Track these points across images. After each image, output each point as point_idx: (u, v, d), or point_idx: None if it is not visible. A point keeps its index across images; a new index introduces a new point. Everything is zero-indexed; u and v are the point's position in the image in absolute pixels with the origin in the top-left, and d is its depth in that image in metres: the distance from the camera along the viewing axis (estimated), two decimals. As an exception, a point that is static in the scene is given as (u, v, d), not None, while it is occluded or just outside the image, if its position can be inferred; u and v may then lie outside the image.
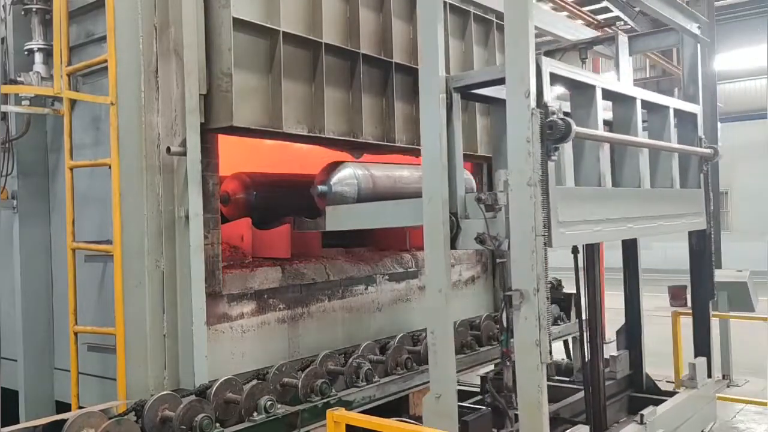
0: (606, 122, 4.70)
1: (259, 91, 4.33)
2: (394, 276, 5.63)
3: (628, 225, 4.27)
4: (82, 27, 4.49)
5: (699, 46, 5.71)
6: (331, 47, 4.69)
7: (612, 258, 7.84)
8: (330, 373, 4.41)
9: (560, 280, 6.44)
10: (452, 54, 5.87)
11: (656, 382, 5.69)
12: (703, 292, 5.64)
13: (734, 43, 25.99)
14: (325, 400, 4.14)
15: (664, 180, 5.10)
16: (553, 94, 5.74)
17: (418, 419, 5.68)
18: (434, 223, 3.69)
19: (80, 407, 4.10)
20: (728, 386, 8.24)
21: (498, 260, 3.51)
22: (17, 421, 4.27)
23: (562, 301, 6.37)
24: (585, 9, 13.38)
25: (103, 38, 4.12)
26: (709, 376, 5.61)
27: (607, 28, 12.51)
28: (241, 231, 5.08)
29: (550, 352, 3.34)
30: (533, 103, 3.32)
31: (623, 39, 5.49)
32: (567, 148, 3.91)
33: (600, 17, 13.51)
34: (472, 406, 5.09)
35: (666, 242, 23.39)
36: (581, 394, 4.85)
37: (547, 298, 3.32)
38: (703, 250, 5.57)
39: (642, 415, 4.45)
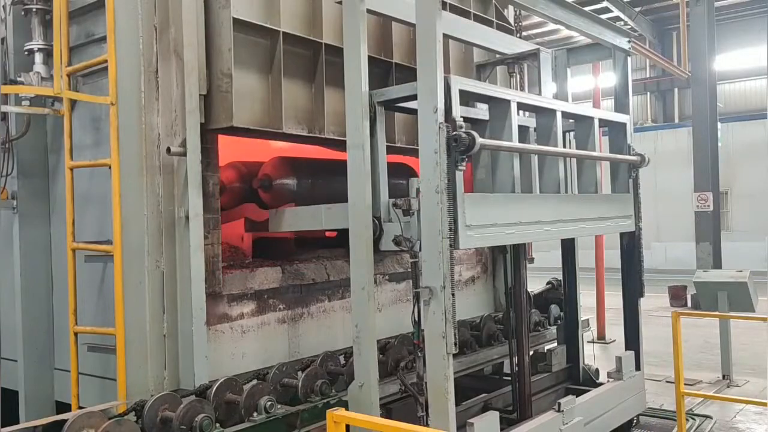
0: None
1: (259, 92, 4.33)
2: (394, 276, 5.63)
3: (544, 228, 4.56)
4: (82, 27, 4.49)
5: (629, 59, 6.08)
6: (331, 47, 4.69)
7: (613, 258, 7.84)
8: (330, 374, 4.41)
9: (560, 281, 6.43)
10: (452, 54, 5.86)
11: (592, 375, 5.98)
12: (633, 289, 5.94)
13: (734, 43, 26.02)
14: (325, 400, 4.14)
15: (590, 185, 5.49)
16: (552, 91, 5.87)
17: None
18: (359, 226, 4.00)
19: (80, 407, 4.10)
20: (728, 386, 8.24)
21: (411, 260, 3.82)
22: (17, 421, 4.28)
23: (562, 302, 6.37)
24: (586, 9, 13.34)
25: (103, 38, 4.12)
26: (638, 369, 5.89)
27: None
28: (241, 231, 5.09)
29: (456, 344, 3.64)
30: (441, 118, 3.64)
31: (545, 55, 5.84)
32: (485, 157, 4.47)
33: (601, 17, 13.45)
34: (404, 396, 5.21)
35: (667, 243, 23.42)
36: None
37: (453, 294, 3.62)
38: (633, 250, 5.90)
39: (559, 404, 4.69)
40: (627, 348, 5.96)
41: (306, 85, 4.63)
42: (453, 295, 3.63)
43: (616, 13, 20.88)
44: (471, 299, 6.47)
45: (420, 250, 3.75)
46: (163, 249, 3.99)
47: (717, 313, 7.88)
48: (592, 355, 6.50)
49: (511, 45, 5.92)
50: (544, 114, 4.97)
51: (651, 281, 7.44)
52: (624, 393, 5.64)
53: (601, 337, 10.51)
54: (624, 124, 5.78)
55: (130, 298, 3.96)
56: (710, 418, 6.96)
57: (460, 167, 3.68)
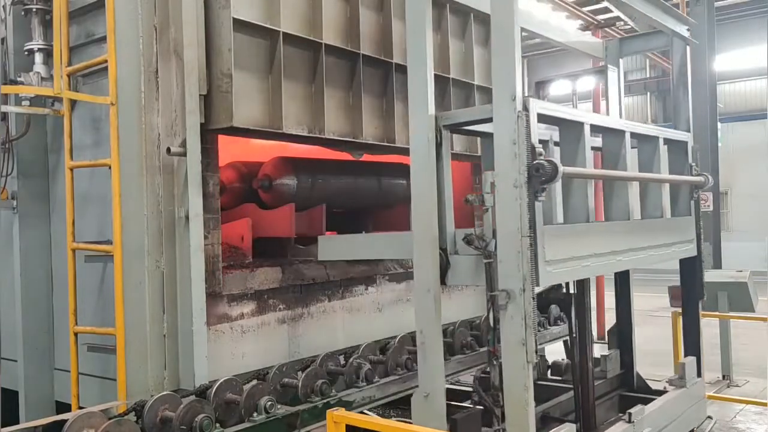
0: (595, 148, 4.72)
1: (260, 92, 4.33)
2: (394, 276, 5.62)
3: (616, 258, 4.33)
4: (82, 27, 4.49)
5: (688, 48, 5.71)
6: (332, 48, 4.69)
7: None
8: (330, 374, 4.41)
9: (560, 280, 6.42)
10: (452, 55, 5.86)
11: (647, 382, 5.71)
12: (693, 294, 5.75)
13: (734, 43, 26.00)
14: (325, 401, 4.14)
15: (655, 210, 5.15)
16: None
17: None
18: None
19: (80, 407, 4.10)
20: (728, 386, 8.25)
21: (485, 261, 3.55)
22: (17, 421, 4.28)
23: (562, 302, 6.35)
24: (585, 9, 13.36)
25: (103, 38, 4.12)
26: (699, 375, 5.64)
27: (607, 29, 12.49)
28: (241, 231, 5.09)
29: (536, 351, 3.38)
30: (519, 106, 3.38)
31: (612, 73, 5.57)
32: (557, 186, 4.10)
33: (600, 17, 13.47)
34: (461, 405, 5.10)
35: (666, 242, 23.39)
36: (571, 393, 4.86)
37: (533, 297, 3.36)
38: (693, 268, 5.70)
39: (630, 414, 4.48)
40: (687, 353, 5.70)
41: (306, 85, 4.62)
42: (534, 298, 3.36)
43: (616, 13, 20.85)
44: (471, 299, 6.47)
45: (495, 249, 3.49)
46: (163, 249, 3.99)
47: (717, 313, 7.88)
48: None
49: (561, 33, 5.82)
50: (611, 135, 4.69)
51: (651, 281, 7.46)
52: (687, 401, 5.38)
53: (600, 337, 10.51)
54: (685, 143, 5.49)
55: (130, 298, 3.96)
56: (710, 418, 6.95)
57: (540, 198, 3.42)
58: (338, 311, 5.12)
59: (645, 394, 5.43)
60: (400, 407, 5.42)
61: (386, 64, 5.15)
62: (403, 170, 5.80)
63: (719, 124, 14.80)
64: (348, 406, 4.20)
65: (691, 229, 5.52)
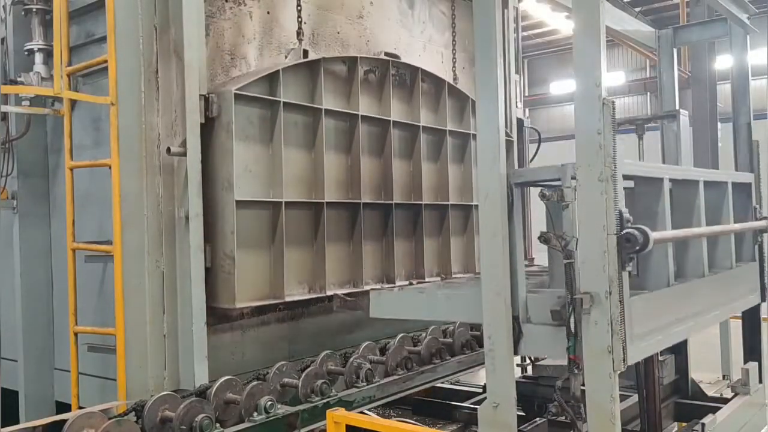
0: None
1: (262, 264, 4.32)
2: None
3: (695, 320, 3.99)
4: (82, 27, 4.50)
5: (748, 38, 5.32)
6: (333, 204, 4.70)
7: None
8: (330, 374, 4.41)
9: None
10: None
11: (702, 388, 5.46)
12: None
13: (734, 43, 25.98)
14: (325, 401, 4.13)
15: (724, 260, 4.73)
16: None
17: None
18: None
19: (80, 407, 4.10)
20: (728, 386, 8.24)
21: (565, 261, 3.22)
22: (17, 421, 4.27)
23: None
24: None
25: (103, 38, 4.12)
26: (761, 381, 5.38)
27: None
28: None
29: (624, 360, 3.11)
30: (603, 93, 3.10)
31: (684, 117, 5.24)
32: None
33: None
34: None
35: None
36: (632, 400, 4.62)
37: (621, 301, 3.09)
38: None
39: (703, 425, 4.32)
40: (747, 359, 5.39)
41: (308, 246, 4.59)
42: (621, 302, 3.08)
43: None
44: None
45: (576, 249, 3.18)
46: (163, 249, 3.99)
47: (717, 313, 7.87)
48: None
49: (619, 21, 5.69)
50: (683, 186, 4.34)
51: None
52: (751, 409, 5.11)
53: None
54: (749, 184, 5.19)
55: (130, 298, 3.96)
56: None
57: (627, 268, 3.13)
58: (338, 311, 5.11)
59: (701, 401, 5.21)
60: (400, 407, 5.42)
61: (386, 207, 5.15)
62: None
63: (719, 124, 14.79)
64: (348, 406, 4.20)
65: (755, 276, 5.19)
